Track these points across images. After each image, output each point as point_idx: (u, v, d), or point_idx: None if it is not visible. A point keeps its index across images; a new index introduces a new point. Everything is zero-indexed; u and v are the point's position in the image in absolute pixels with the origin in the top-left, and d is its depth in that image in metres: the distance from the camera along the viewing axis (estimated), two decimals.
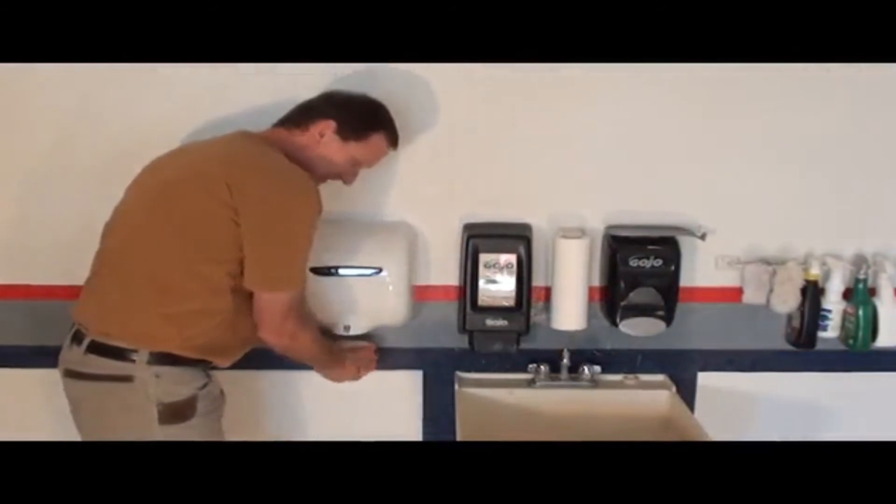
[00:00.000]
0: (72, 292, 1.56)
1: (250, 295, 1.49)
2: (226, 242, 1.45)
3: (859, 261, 1.81)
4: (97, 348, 1.46)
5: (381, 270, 1.71)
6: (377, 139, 1.61)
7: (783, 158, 1.78)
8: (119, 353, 1.45)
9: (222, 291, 1.47)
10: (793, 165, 1.78)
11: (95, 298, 1.52)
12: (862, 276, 1.79)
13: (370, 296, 1.72)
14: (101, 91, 1.71)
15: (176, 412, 1.46)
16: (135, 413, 1.45)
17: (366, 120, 1.60)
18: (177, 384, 1.47)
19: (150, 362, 1.44)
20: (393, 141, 1.64)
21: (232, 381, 1.69)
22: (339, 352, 1.75)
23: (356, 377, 1.79)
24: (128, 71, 1.66)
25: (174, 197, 1.48)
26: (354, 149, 1.59)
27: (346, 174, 1.63)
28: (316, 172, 1.56)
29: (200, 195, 1.46)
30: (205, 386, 1.51)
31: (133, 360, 1.44)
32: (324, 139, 1.56)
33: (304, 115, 1.59)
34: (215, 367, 1.55)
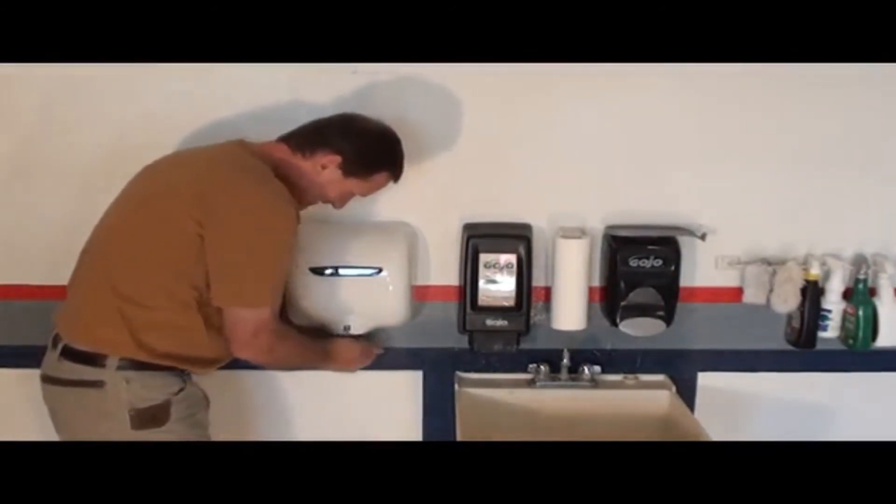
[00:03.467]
0: (60, 293, 1.56)
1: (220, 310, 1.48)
2: (195, 258, 1.43)
3: (859, 261, 1.81)
4: (70, 353, 1.46)
5: (381, 270, 1.71)
6: (379, 177, 1.60)
7: (783, 158, 1.78)
8: (91, 359, 1.44)
9: (189, 306, 1.45)
10: (792, 165, 1.78)
11: (68, 303, 1.52)
12: (862, 276, 1.79)
13: (370, 296, 1.72)
14: (98, 91, 1.71)
15: (149, 417, 1.44)
16: (107, 418, 1.44)
17: (373, 160, 1.58)
18: (149, 389, 1.45)
19: (120, 367, 1.43)
20: (396, 177, 1.63)
21: (228, 382, 1.69)
22: (324, 346, 1.69)
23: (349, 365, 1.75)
24: (126, 71, 1.65)
25: (147, 207, 1.47)
26: (354, 184, 1.58)
27: (338, 201, 1.62)
28: (306, 197, 1.55)
29: (169, 207, 1.44)
30: (180, 391, 1.48)
31: (104, 366, 1.43)
32: (325, 171, 1.54)
33: (312, 139, 1.55)
34: (193, 374, 1.54)
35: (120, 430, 1.43)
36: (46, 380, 1.50)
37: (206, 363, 1.54)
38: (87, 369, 1.44)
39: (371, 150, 1.58)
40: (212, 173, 1.47)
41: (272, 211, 1.45)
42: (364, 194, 1.63)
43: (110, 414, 1.44)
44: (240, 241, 1.43)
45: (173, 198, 1.46)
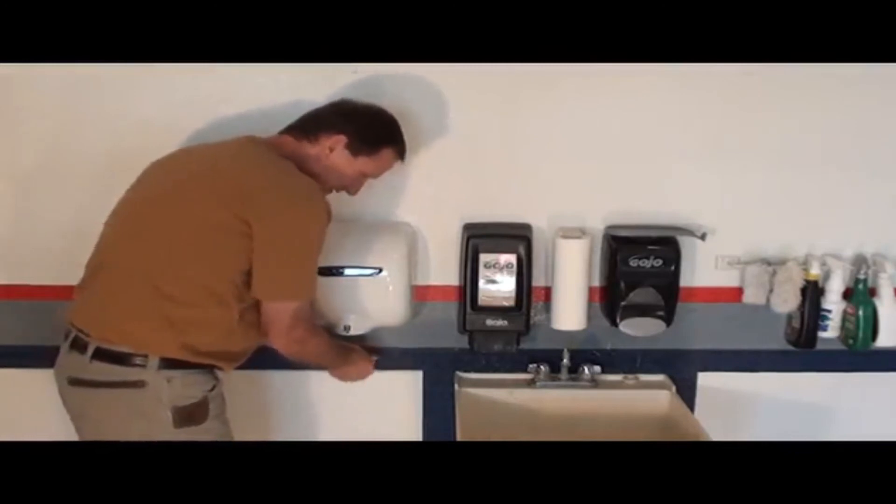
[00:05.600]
0: (62, 293, 1.56)
1: (254, 304, 1.49)
2: (233, 253, 1.44)
3: (859, 261, 1.81)
4: (103, 354, 1.43)
5: (381, 270, 1.71)
6: (386, 154, 1.61)
7: (783, 158, 1.78)
8: (127, 359, 1.43)
9: (226, 301, 1.46)
10: (793, 166, 1.78)
11: (93, 301, 1.49)
12: (862, 276, 1.79)
13: (370, 296, 1.72)
14: (98, 91, 1.71)
15: (189, 415, 1.45)
16: (146, 418, 1.43)
17: (376, 135, 1.59)
18: (188, 387, 1.46)
19: (161, 367, 1.43)
20: (401, 154, 1.64)
21: (233, 383, 1.69)
22: (348, 350, 1.74)
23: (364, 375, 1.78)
24: (126, 71, 1.66)
25: (182, 204, 1.46)
26: (363, 163, 1.58)
27: (353, 186, 1.63)
28: (324, 184, 1.55)
29: (211, 204, 1.44)
30: (214, 388, 1.50)
31: (143, 366, 1.43)
32: (333, 153, 1.55)
33: (313, 126, 1.56)
34: (220, 370, 1.55)
35: (161, 430, 1.43)
36: (75, 383, 1.47)
37: (235, 357, 1.55)
38: (126, 370, 1.43)
39: (372, 125, 1.59)
40: (249, 170, 1.48)
41: (312, 206, 1.48)
42: (375, 174, 1.63)
43: (149, 413, 1.43)
44: (285, 235, 1.45)
45: (209, 193, 1.45)
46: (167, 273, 1.44)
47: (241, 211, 1.43)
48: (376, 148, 1.59)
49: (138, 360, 1.43)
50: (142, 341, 1.43)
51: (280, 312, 1.49)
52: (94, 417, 1.48)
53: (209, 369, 1.51)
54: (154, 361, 1.43)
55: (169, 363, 1.44)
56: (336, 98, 1.66)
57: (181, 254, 1.45)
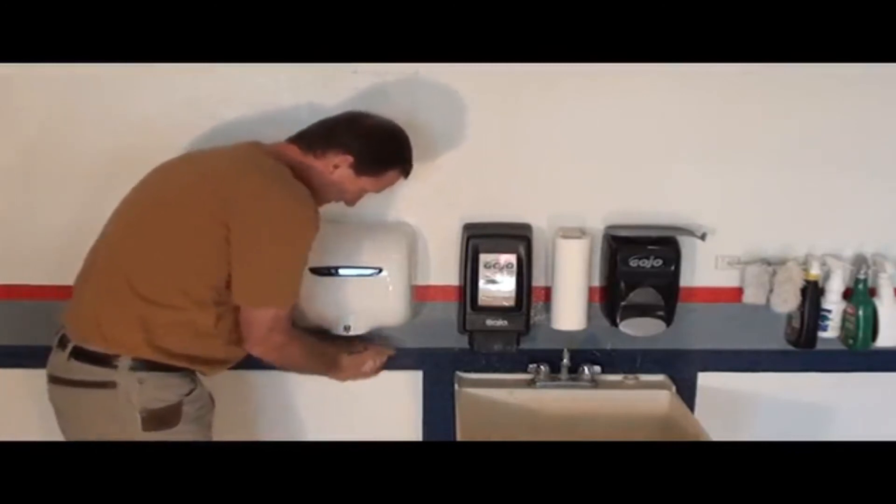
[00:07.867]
0: (62, 293, 1.56)
1: (235, 309, 1.48)
2: (213, 258, 1.44)
3: (859, 261, 1.81)
4: (80, 354, 1.44)
5: (381, 270, 1.71)
6: (391, 174, 1.60)
7: (783, 159, 1.78)
8: (102, 359, 1.43)
9: (203, 305, 1.45)
10: (793, 166, 1.78)
11: (78, 300, 1.50)
12: (862, 276, 1.79)
13: (370, 296, 1.72)
14: (98, 91, 1.71)
15: (160, 419, 1.44)
16: (118, 420, 1.43)
17: (384, 157, 1.58)
18: (161, 390, 1.45)
19: (132, 368, 1.43)
20: (406, 173, 1.63)
21: (229, 383, 1.69)
22: (332, 355, 1.71)
23: (358, 376, 1.76)
24: (126, 71, 1.66)
25: (165, 208, 1.46)
26: (365, 182, 1.58)
27: (351, 200, 1.62)
28: (321, 197, 1.55)
29: (192, 209, 1.44)
30: (191, 392, 1.49)
31: (115, 366, 1.43)
32: (337, 170, 1.54)
33: (322, 142, 1.54)
34: (202, 374, 1.54)
35: (131, 432, 1.43)
36: (54, 380, 1.49)
37: (217, 363, 1.54)
38: (99, 370, 1.43)
39: (382, 149, 1.58)
40: (236, 175, 1.47)
41: (297, 214, 1.46)
42: (376, 191, 1.63)
43: (121, 415, 1.43)
44: (265, 243, 1.44)
45: (196, 200, 1.45)
46: (143, 273, 1.44)
47: (222, 214, 1.42)
48: (382, 170, 1.58)
49: (112, 361, 1.43)
50: (114, 340, 1.43)
51: (257, 318, 1.47)
52: (71, 415, 1.49)
53: (187, 372, 1.49)
54: (126, 362, 1.43)
55: (144, 364, 1.43)
56: (339, 98, 1.66)
57: (162, 258, 1.44)
